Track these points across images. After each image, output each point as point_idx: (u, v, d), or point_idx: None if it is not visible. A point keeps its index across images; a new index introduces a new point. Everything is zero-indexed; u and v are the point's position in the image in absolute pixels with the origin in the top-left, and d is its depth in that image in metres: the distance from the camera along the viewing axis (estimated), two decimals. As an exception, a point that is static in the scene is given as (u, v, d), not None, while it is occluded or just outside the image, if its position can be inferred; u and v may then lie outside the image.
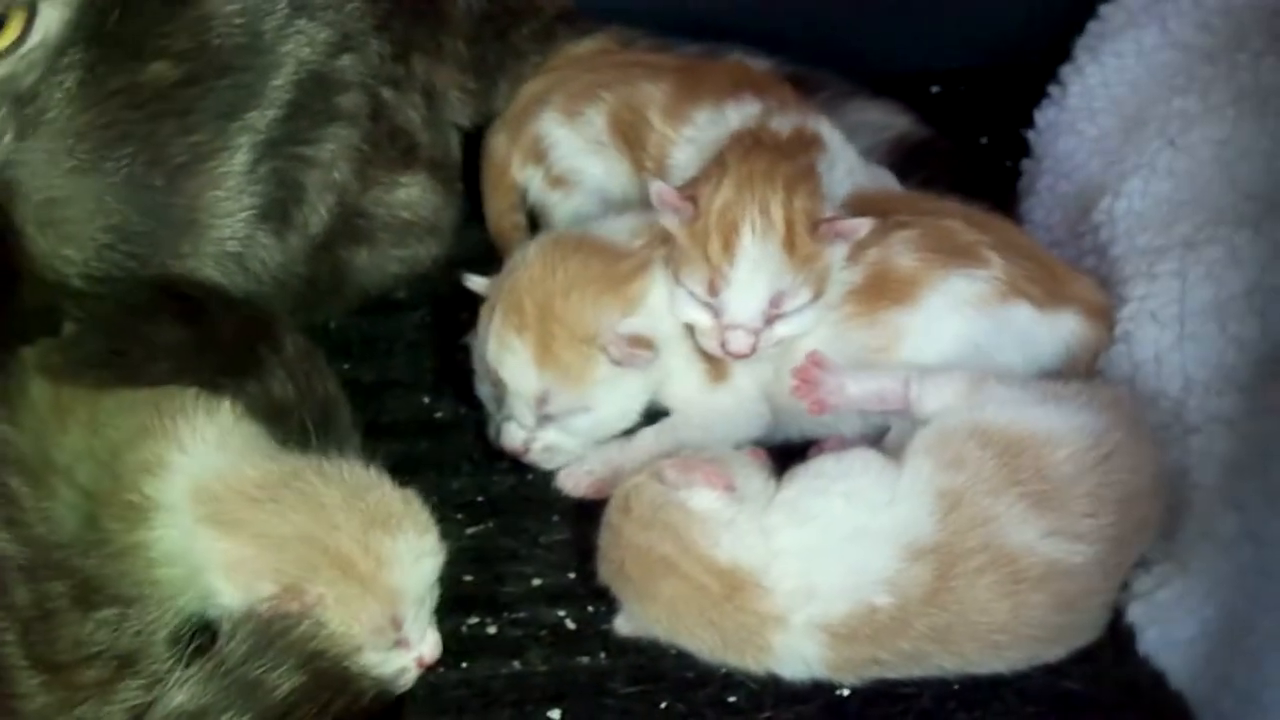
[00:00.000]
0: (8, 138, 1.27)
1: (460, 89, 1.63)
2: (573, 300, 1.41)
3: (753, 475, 1.33)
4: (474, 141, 1.67)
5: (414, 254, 1.59)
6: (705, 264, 1.38)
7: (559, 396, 1.42)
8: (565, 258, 1.42)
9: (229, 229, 1.42)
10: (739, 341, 1.38)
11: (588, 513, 1.38)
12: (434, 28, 1.61)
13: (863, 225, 1.39)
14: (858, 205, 1.43)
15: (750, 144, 1.45)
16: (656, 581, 1.27)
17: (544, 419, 1.43)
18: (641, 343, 1.41)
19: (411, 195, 1.56)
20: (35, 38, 1.24)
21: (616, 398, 1.44)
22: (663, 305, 1.43)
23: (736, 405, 1.46)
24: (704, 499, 1.29)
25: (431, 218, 1.58)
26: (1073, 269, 1.49)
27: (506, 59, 1.68)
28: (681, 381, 1.46)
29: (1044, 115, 1.71)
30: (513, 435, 1.44)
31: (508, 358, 1.42)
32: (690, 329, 1.42)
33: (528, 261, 1.43)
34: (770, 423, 1.46)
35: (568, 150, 1.61)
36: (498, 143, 1.65)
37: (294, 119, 1.43)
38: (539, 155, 1.62)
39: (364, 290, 1.57)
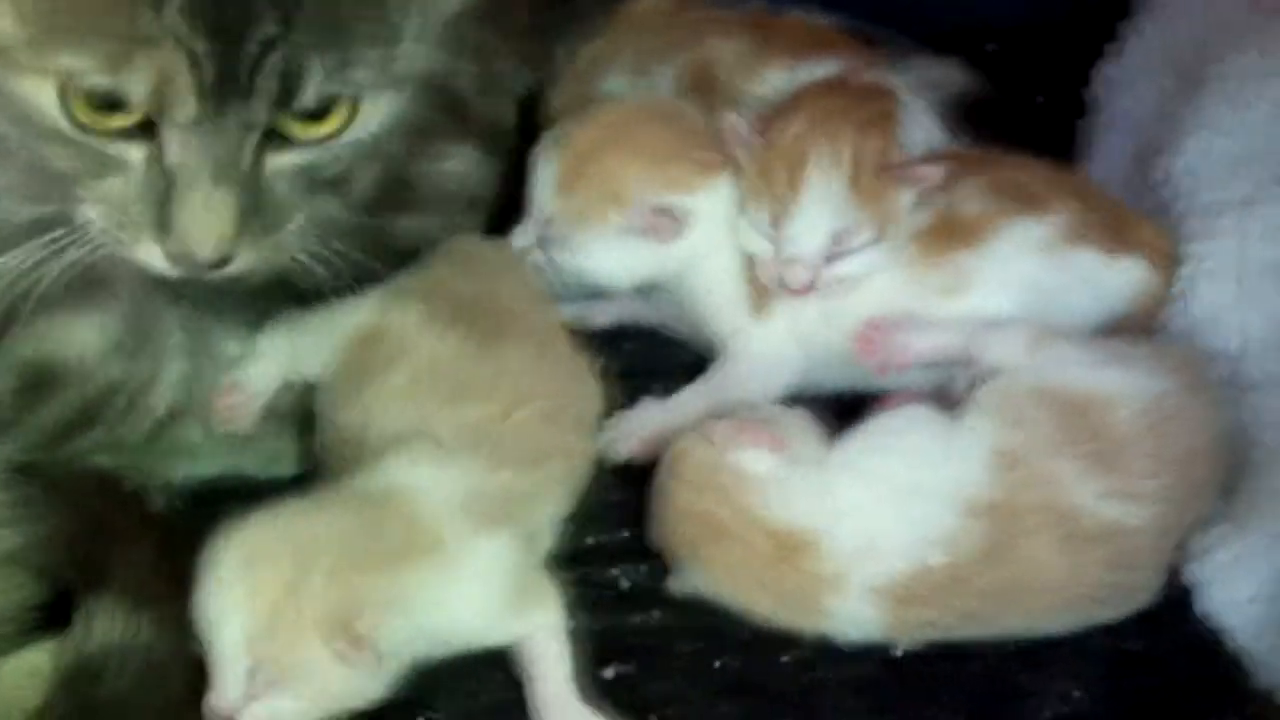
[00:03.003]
0: (294, 224, 1.21)
1: (517, 55, 1.62)
2: (621, 157, 1.43)
3: (804, 435, 1.33)
4: (530, 108, 1.67)
5: (458, 224, 1.58)
6: (770, 197, 1.39)
7: (559, 226, 1.45)
8: (648, 119, 1.46)
9: None
10: (797, 276, 1.39)
11: (643, 471, 1.37)
12: None
13: (933, 173, 1.40)
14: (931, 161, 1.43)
15: (829, 86, 1.46)
16: (709, 545, 1.28)
17: (542, 238, 1.46)
18: (669, 215, 1.43)
19: (458, 167, 1.55)
20: (352, 135, 1.18)
21: (606, 259, 1.46)
22: (719, 208, 1.44)
23: (772, 348, 1.46)
24: (755, 460, 1.28)
25: (477, 189, 1.57)
26: (1139, 216, 1.49)
27: (568, 23, 1.67)
28: (721, 302, 1.47)
29: (1102, 73, 1.70)
30: (518, 236, 1.48)
31: (541, 166, 1.46)
32: (750, 261, 1.43)
33: (620, 104, 1.50)
34: (807, 374, 1.46)
35: None
36: (559, 104, 1.65)
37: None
38: None
39: (406, 256, 1.57)
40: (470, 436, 1.29)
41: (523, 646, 1.26)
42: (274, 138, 1.14)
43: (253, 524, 1.18)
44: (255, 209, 1.14)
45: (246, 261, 1.15)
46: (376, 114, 1.17)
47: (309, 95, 1.10)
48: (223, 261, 1.13)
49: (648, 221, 1.43)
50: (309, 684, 1.15)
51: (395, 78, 1.16)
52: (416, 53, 1.18)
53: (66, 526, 1.18)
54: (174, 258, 1.14)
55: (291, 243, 1.21)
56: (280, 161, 1.15)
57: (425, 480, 1.25)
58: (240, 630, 1.14)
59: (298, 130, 1.14)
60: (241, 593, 1.15)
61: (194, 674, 1.16)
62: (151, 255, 1.16)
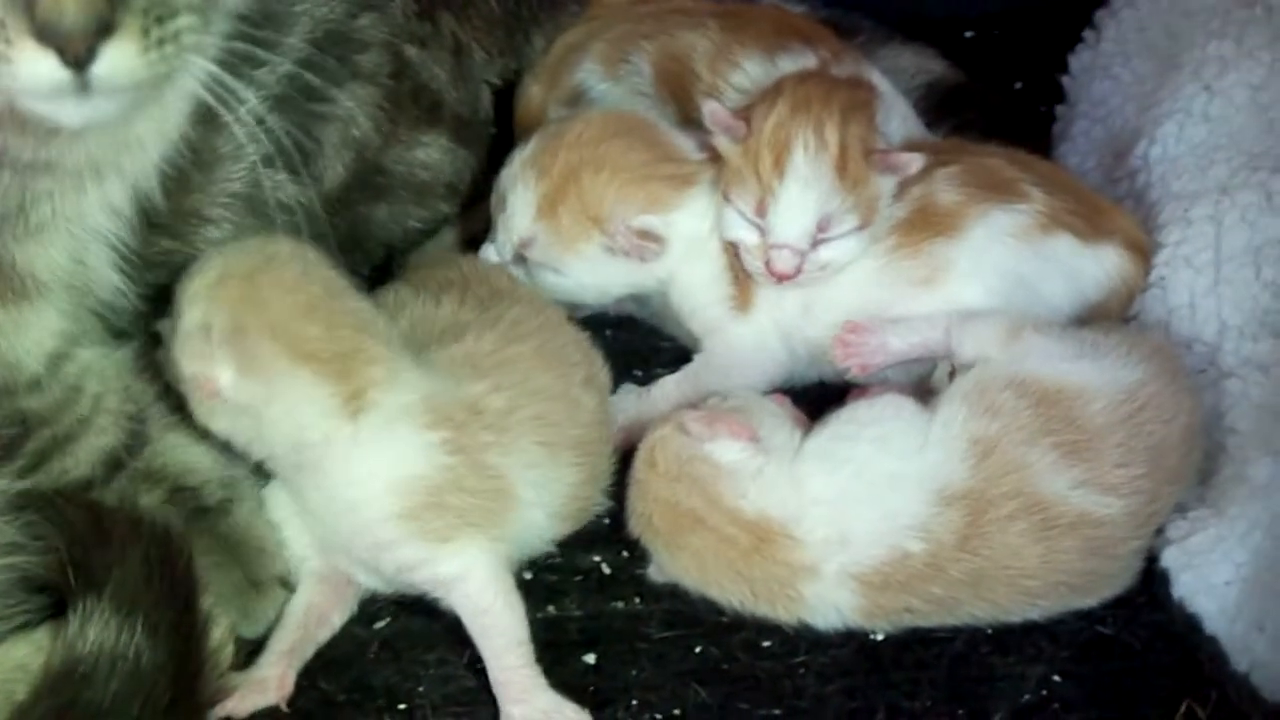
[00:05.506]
0: (184, 20, 1.13)
1: (490, 45, 1.61)
2: (600, 178, 1.45)
3: (778, 425, 1.34)
4: (506, 96, 1.67)
5: (433, 213, 1.58)
6: (755, 182, 1.40)
7: (541, 249, 1.46)
8: (617, 135, 1.47)
9: (234, 172, 1.40)
10: (784, 261, 1.39)
11: (622, 458, 1.38)
12: None
13: (914, 160, 1.40)
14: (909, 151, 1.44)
15: (807, 75, 1.47)
16: (684, 535, 1.28)
17: (519, 258, 1.47)
18: (650, 237, 1.44)
19: (431, 156, 1.55)
20: None
21: (590, 278, 1.48)
22: (699, 221, 1.46)
23: (755, 343, 1.47)
24: (729, 451, 1.29)
25: (452, 179, 1.57)
26: (1114, 204, 1.50)
27: (540, 13, 1.67)
28: (705, 302, 1.48)
29: (1078, 60, 1.71)
30: (488, 255, 1.50)
31: (518, 190, 1.47)
32: (734, 250, 1.44)
33: (585, 120, 1.49)
34: (788, 366, 1.47)
35: (609, 101, 1.61)
36: (533, 93, 1.65)
37: (308, 75, 1.41)
38: (577, 104, 1.62)
39: (385, 245, 1.57)
40: (460, 365, 1.31)
41: (464, 616, 1.26)
42: None
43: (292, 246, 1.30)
44: None
45: (128, 55, 1.07)
46: None
47: None
48: (97, 31, 1.05)
49: (630, 243, 1.44)
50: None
51: None
52: None
53: (65, 539, 1.19)
54: (44, 33, 1.05)
55: (187, 47, 1.14)
56: None
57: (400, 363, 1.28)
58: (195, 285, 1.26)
59: None
60: (213, 273, 1.26)
61: (180, 683, 1.17)
62: (26, 54, 1.07)
